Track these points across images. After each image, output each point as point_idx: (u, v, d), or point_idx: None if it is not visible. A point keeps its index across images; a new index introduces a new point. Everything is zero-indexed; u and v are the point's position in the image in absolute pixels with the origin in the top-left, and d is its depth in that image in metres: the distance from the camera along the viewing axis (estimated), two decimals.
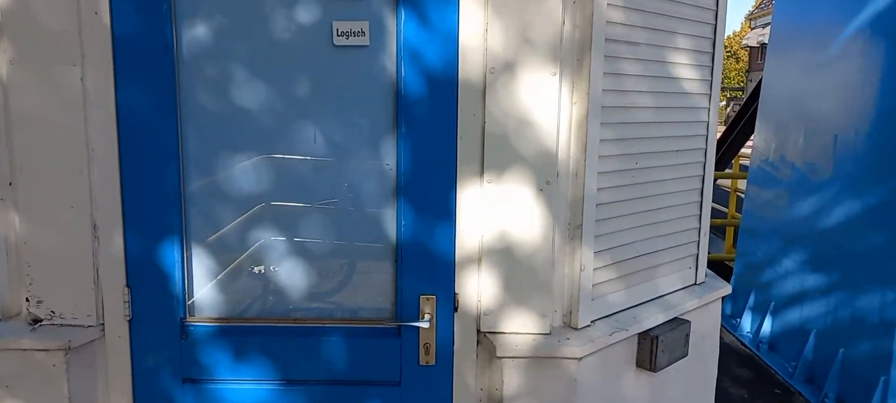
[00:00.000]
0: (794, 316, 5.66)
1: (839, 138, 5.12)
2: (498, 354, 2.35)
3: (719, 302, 3.14)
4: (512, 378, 2.38)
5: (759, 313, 6.10)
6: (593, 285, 2.51)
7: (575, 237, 2.44)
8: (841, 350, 5.03)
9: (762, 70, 6.52)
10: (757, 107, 6.86)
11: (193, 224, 2.37)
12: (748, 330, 6.19)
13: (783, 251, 5.85)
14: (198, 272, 2.40)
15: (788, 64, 6.07)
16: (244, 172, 2.36)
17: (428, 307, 2.39)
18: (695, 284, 3.02)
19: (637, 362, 2.69)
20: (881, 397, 4.67)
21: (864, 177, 4.85)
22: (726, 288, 3.12)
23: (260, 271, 2.42)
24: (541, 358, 2.37)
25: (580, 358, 2.37)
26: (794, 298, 5.65)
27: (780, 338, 5.85)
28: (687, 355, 2.81)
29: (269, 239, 2.40)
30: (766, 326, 5.97)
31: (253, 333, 2.43)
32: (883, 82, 4.69)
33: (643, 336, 2.64)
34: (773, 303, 5.93)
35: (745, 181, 6.77)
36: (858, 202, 4.89)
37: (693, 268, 3.00)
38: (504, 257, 2.36)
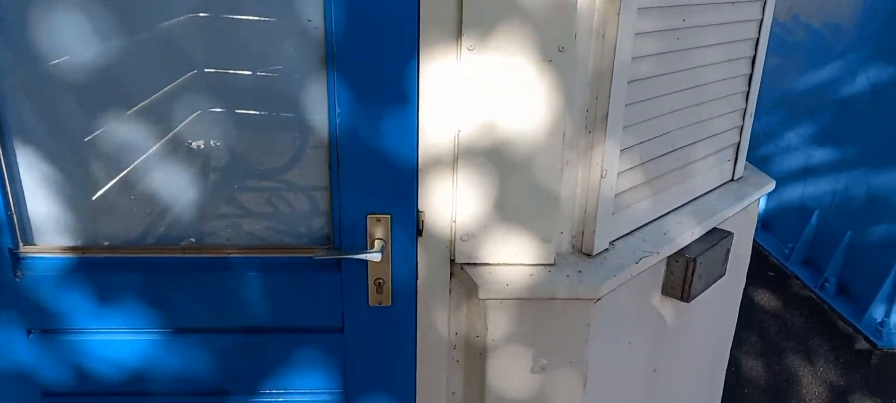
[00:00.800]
0: (794, 193, 5.16)
1: None
2: (481, 296, 1.65)
3: (758, 203, 2.46)
4: (499, 323, 1.69)
5: None
6: (616, 194, 1.78)
7: (596, 129, 1.67)
8: (848, 233, 4.61)
9: None
10: None
11: (12, 107, 1.54)
12: None
13: (787, 123, 5.23)
14: (31, 182, 1.61)
15: None
16: (87, 27, 1.50)
17: (379, 231, 1.64)
18: (732, 181, 2.32)
19: (664, 289, 2.01)
20: (892, 284, 4.27)
21: None
22: (770, 184, 2.43)
23: (130, 182, 1.63)
24: (542, 300, 1.67)
25: (598, 299, 1.68)
26: (795, 174, 5.13)
27: (775, 217, 5.40)
28: (725, 274, 2.15)
29: (142, 133, 1.59)
30: (760, 204, 5.44)
31: (125, 268, 1.67)
32: None
33: (675, 258, 1.95)
34: None
35: None
36: (889, 68, 4.20)
37: (732, 161, 2.29)
38: (490, 160, 1.60)
